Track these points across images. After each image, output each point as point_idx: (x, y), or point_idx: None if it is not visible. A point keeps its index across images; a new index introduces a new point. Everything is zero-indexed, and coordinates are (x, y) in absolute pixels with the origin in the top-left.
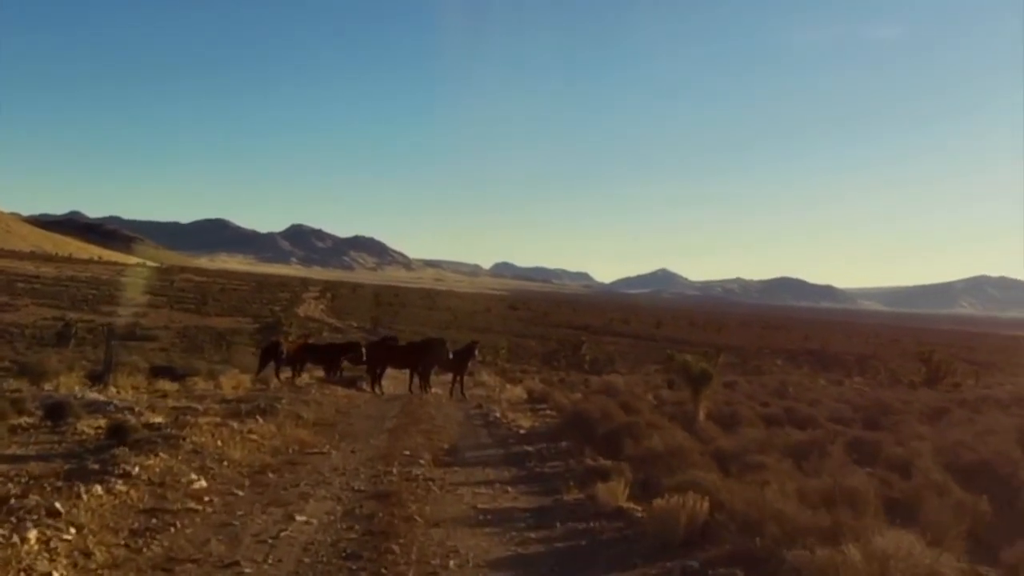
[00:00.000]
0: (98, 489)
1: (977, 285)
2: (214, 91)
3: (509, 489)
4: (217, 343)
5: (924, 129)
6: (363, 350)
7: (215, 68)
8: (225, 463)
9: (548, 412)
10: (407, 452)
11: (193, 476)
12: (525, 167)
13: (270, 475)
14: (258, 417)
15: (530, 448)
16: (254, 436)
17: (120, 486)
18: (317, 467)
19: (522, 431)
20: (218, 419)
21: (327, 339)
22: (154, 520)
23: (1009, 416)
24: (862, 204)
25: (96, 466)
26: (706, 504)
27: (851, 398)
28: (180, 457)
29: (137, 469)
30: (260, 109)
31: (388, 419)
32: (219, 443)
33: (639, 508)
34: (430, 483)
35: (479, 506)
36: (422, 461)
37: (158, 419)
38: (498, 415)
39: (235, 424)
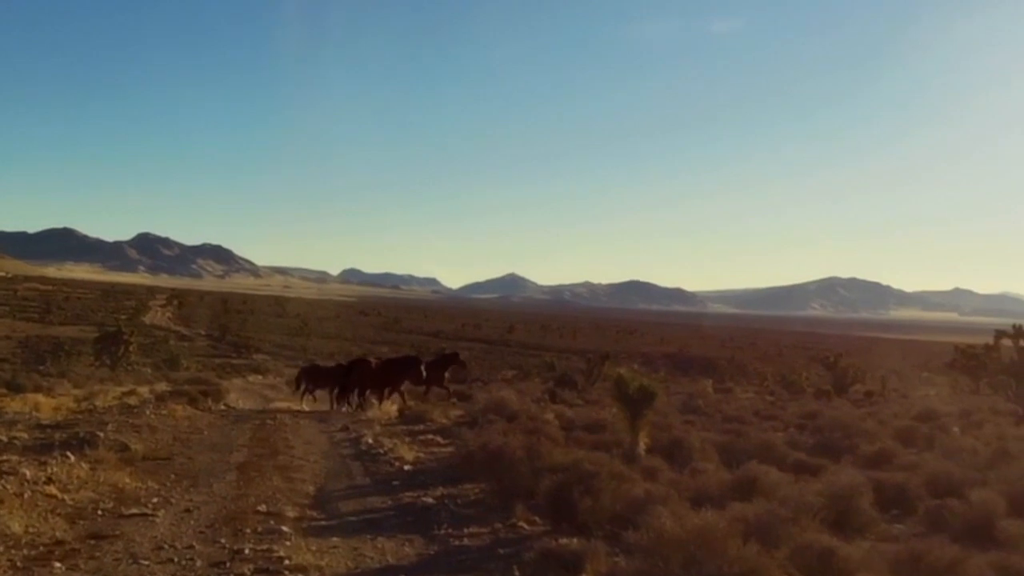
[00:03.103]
0: None
1: (828, 287)
2: (57, 98)
3: None
4: (57, 354)
5: (771, 128)
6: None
7: (57, 74)
8: None
9: (431, 437)
10: (262, 507)
11: None
12: (371, 172)
13: (56, 565)
14: (70, 454)
15: (429, 498)
16: (53, 488)
17: None
18: (132, 544)
19: (407, 467)
20: (16, 458)
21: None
22: None
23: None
24: (710, 206)
25: None
26: None
27: (776, 413)
28: None
29: None
30: (105, 116)
31: (236, 448)
32: None
33: None
34: None
35: None
36: (285, 528)
37: None
38: (371, 442)
39: (29, 471)
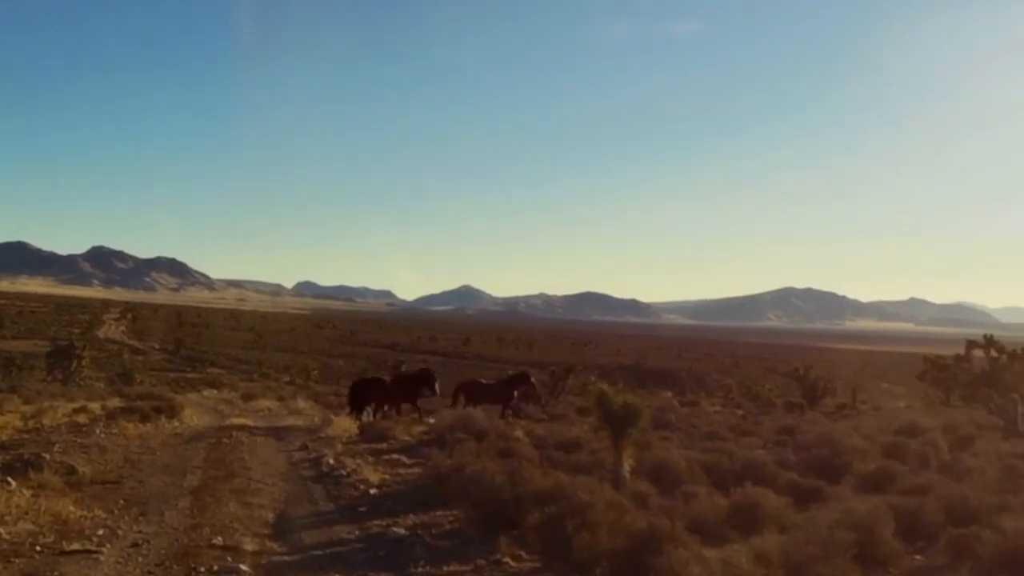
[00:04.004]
0: None
1: (783, 297)
2: (7, 110)
3: None
4: (9, 369)
5: (728, 138)
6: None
7: (6, 86)
8: None
9: (396, 457)
10: (218, 540)
11: None
12: (326, 185)
13: None
14: (11, 479)
15: (400, 528)
16: None
17: None
18: None
19: (373, 490)
20: None
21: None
22: None
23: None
24: (665, 216)
25: None
26: None
27: (752, 428)
28: None
29: None
30: (59, 129)
31: (190, 470)
32: None
33: None
34: None
35: None
36: (244, 566)
37: None
38: (332, 462)
39: None
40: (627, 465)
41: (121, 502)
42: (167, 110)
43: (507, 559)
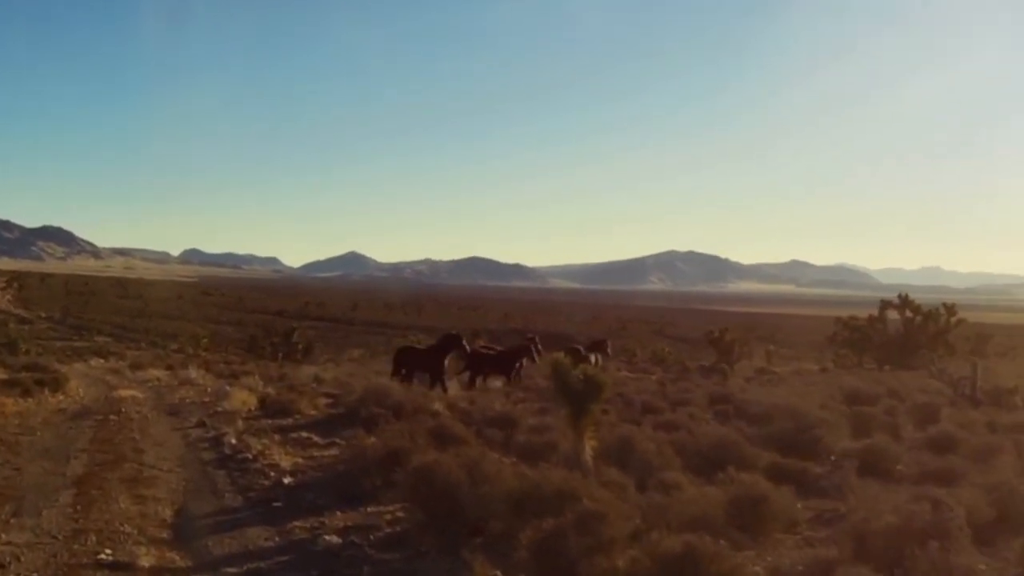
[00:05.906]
0: None
1: (667, 260)
2: None
3: None
4: None
5: (611, 104)
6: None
7: None
8: None
9: (305, 435)
10: (106, 553)
11: None
12: (212, 152)
13: None
14: None
15: (331, 533)
16: None
17: None
18: None
19: (287, 479)
20: None
21: None
22: None
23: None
24: (550, 181)
25: None
26: None
27: (686, 397)
28: None
29: None
30: None
31: (74, 454)
32: None
33: None
34: None
35: None
36: None
37: None
38: (235, 442)
39: None
40: (588, 447)
41: None
42: (52, 78)
43: None
